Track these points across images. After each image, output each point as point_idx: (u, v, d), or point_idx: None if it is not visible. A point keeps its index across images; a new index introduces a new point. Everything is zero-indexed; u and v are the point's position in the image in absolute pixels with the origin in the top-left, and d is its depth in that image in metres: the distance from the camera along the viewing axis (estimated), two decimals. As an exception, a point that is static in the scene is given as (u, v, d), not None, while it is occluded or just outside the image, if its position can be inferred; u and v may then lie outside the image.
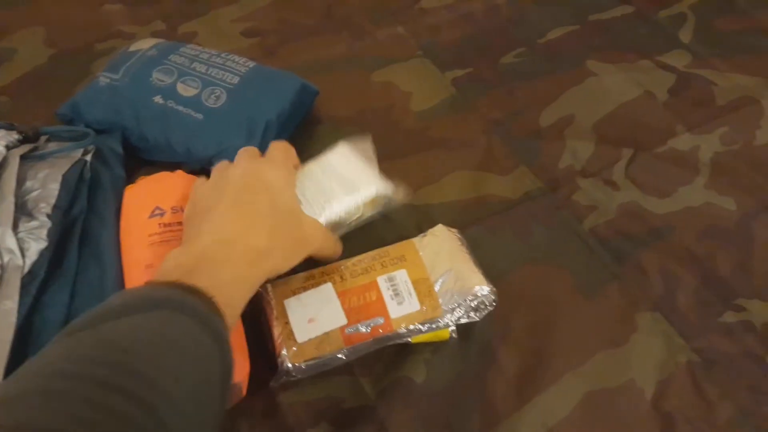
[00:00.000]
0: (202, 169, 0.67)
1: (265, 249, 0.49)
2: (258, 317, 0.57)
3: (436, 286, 0.56)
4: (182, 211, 0.58)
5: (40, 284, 0.56)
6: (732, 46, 0.86)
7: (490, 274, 0.58)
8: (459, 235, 0.61)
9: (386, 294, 0.56)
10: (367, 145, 0.65)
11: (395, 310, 0.55)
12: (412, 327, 0.55)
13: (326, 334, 0.54)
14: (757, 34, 0.88)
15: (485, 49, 0.86)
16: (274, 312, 0.55)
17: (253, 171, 0.54)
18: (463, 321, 0.56)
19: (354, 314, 0.55)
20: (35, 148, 0.65)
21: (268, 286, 0.57)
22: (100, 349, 0.36)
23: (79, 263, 0.60)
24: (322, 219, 0.58)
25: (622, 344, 0.58)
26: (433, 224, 0.64)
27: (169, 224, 0.58)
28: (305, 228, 0.55)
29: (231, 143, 0.66)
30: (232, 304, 0.45)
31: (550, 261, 0.63)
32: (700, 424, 0.53)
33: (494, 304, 0.57)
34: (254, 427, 0.53)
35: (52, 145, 0.66)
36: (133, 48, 0.74)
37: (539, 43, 0.87)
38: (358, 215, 0.60)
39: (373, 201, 0.60)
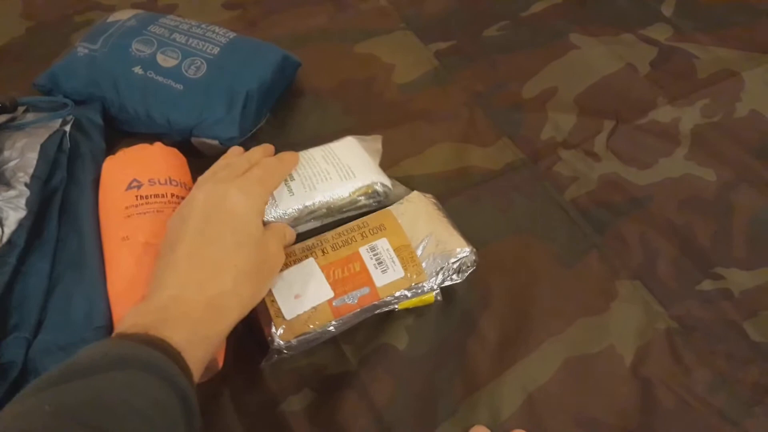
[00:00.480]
0: (182, 140, 0.66)
1: (230, 292, 0.47)
2: None
3: (418, 251, 0.56)
4: (159, 183, 0.58)
5: (20, 253, 0.56)
6: (714, 20, 0.86)
7: (472, 244, 0.58)
8: (434, 200, 0.61)
9: (369, 264, 0.56)
10: (377, 143, 0.65)
11: (380, 279, 0.55)
12: (398, 294, 0.55)
13: (314, 308, 0.53)
14: (739, 7, 0.88)
15: (468, 22, 0.86)
16: None
17: (216, 197, 0.50)
18: (447, 284, 0.57)
19: (340, 286, 0.54)
20: (13, 119, 0.64)
21: None
22: (61, 416, 0.34)
23: (59, 233, 0.59)
24: (314, 198, 0.58)
25: (602, 312, 0.59)
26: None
27: (146, 197, 0.57)
28: (271, 253, 0.52)
29: (211, 114, 0.65)
30: (196, 358, 0.43)
31: (531, 231, 0.64)
32: (678, 389, 0.54)
33: (475, 264, 0.57)
34: (237, 395, 0.53)
35: (30, 116, 0.65)
36: (111, 19, 0.73)
37: (522, 17, 0.87)
38: (349, 202, 0.60)
39: (367, 189, 0.60)
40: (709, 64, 0.80)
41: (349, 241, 0.57)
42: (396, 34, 0.85)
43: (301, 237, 0.59)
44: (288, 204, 0.57)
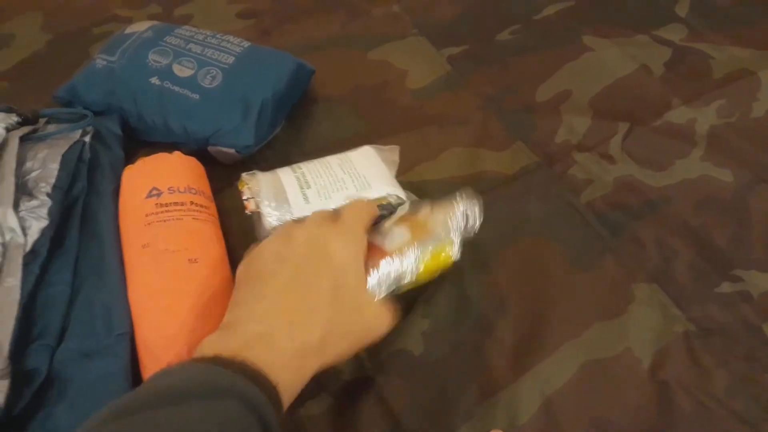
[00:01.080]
0: (199, 148, 0.67)
1: (317, 345, 0.44)
2: None
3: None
4: (179, 191, 0.59)
5: (43, 262, 0.57)
6: (728, 19, 0.86)
7: (487, 248, 0.58)
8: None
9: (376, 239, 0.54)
10: (394, 154, 0.65)
11: (388, 245, 0.53)
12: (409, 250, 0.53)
13: None
14: (753, 5, 0.88)
15: (480, 27, 0.86)
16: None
17: (319, 239, 0.48)
18: (460, 237, 0.56)
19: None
20: (35, 130, 0.65)
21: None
22: None
23: (80, 242, 0.60)
24: (329, 206, 0.58)
25: (618, 315, 0.58)
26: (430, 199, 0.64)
27: (166, 204, 0.58)
28: (368, 316, 0.48)
29: (227, 123, 0.66)
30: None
31: (546, 234, 0.64)
32: (697, 393, 0.54)
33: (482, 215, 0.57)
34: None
35: (52, 127, 0.67)
36: (128, 30, 0.74)
37: (535, 20, 0.87)
38: None
39: (381, 201, 0.60)
40: (725, 64, 0.80)
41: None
42: (409, 40, 0.85)
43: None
44: (303, 212, 0.58)
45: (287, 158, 0.69)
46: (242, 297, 0.46)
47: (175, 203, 0.58)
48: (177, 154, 0.64)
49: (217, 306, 0.51)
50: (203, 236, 0.58)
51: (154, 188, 0.59)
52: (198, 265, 0.54)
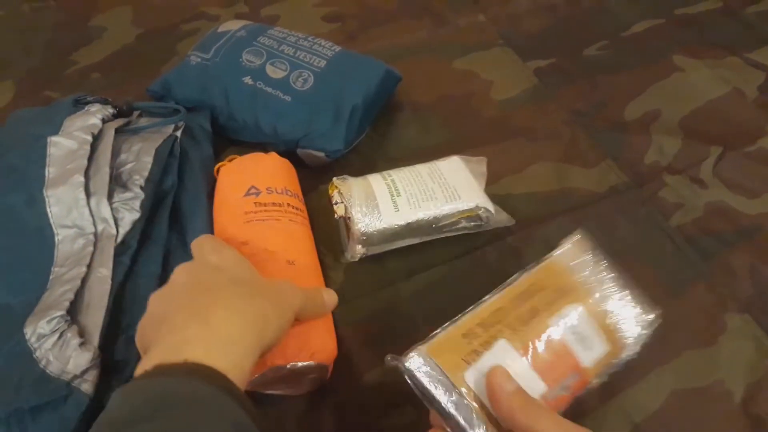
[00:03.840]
0: (287, 150, 0.68)
1: (240, 332, 0.42)
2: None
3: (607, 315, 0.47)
4: (277, 192, 0.59)
5: (133, 254, 0.58)
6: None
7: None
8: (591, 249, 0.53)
9: (570, 339, 0.44)
10: (482, 166, 0.65)
11: (585, 358, 0.44)
12: (602, 371, 0.46)
13: None
14: None
15: (567, 40, 0.85)
16: (453, 393, 0.42)
17: (195, 265, 0.48)
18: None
19: (548, 374, 0.43)
20: (128, 123, 0.67)
21: (419, 356, 0.43)
22: None
23: (169, 237, 0.61)
24: (417, 215, 0.58)
25: (709, 344, 0.57)
26: (515, 214, 0.64)
27: (264, 204, 0.58)
28: (272, 293, 0.47)
29: (318, 126, 0.67)
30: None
31: (635, 257, 0.62)
32: (791, 430, 0.52)
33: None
34: (339, 407, 0.54)
35: (144, 121, 0.68)
36: (222, 29, 0.75)
37: (623, 36, 0.86)
38: (450, 223, 0.60)
39: (470, 213, 0.60)
40: (822, 90, 0.77)
41: (537, 311, 0.45)
42: (494, 51, 0.84)
43: (396, 253, 0.59)
44: (392, 219, 0.58)
45: (372, 164, 0.70)
46: (158, 322, 0.44)
47: (274, 204, 0.58)
48: (273, 155, 0.64)
49: None
50: (299, 239, 0.58)
51: (253, 187, 0.59)
52: (294, 267, 0.54)
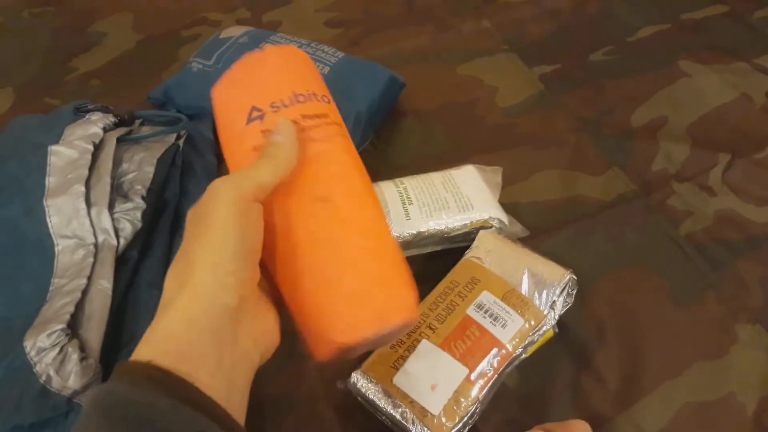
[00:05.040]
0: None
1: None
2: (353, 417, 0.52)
3: (522, 291, 0.53)
4: (284, 105, 0.41)
5: (135, 265, 0.57)
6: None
7: (583, 277, 0.57)
8: (505, 236, 0.58)
9: (485, 323, 0.52)
10: (497, 176, 0.65)
11: (503, 335, 0.51)
12: (527, 341, 0.52)
13: (456, 392, 0.48)
14: None
15: (573, 46, 0.85)
16: (389, 399, 0.49)
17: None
18: (561, 313, 0.55)
19: (469, 358, 0.50)
20: (130, 132, 0.66)
21: (358, 377, 0.50)
22: None
23: (171, 247, 0.60)
24: (428, 224, 0.57)
25: (720, 356, 0.56)
26: (521, 224, 0.63)
27: (271, 131, 0.40)
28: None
29: (322, 133, 0.65)
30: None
31: (644, 266, 0.62)
32: (805, 444, 0.51)
33: (577, 284, 0.55)
34: (340, 409, 0.53)
35: (146, 129, 0.67)
36: (224, 35, 0.74)
37: (629, 42, 0.85)
38: (463, 233, 0.59)
39: (484, 224, 0.59)
40: (831, 96, 0.76)
41: (452, 307, 0.53)
42: (499, 56, 0.84)
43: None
44: (403, 228, 0.57)
45: (375, 172, 0.67)
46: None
47: None
48: (270, 48, 0.45)
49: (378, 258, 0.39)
50: (330, 161, 0.41)
51: (254, 108, 0.41)
52: (332, 206, 0.39)
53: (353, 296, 0.37)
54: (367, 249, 0.39)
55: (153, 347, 0.31)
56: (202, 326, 0.32)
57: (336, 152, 0.41)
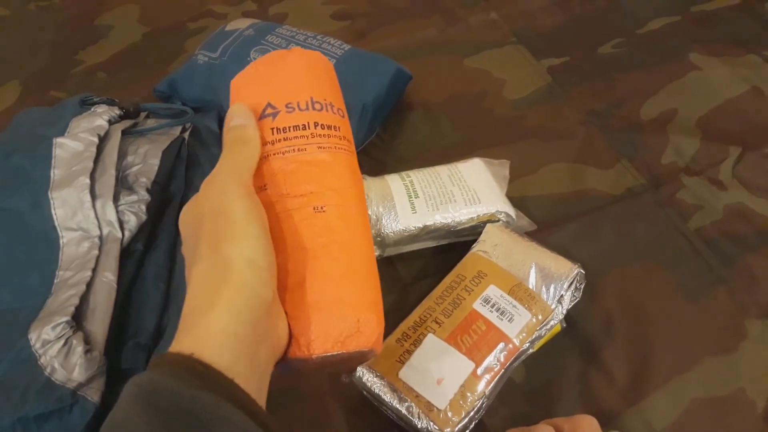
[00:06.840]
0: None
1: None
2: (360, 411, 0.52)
3: (530, 286, 0.53)
4: (299, 108, 0.41)
5: (139, 259, 0.57)
6: None
7: (592, 271, 0.56)
8: (512, 230, 0.58)
9: (492, 317, 0.51)
10: (504, 169, 0.64)
11: (510, 329, 0.51)
12: (534, 336, 0.52)
13: (462, 386, 0.49)
14: None
15: (582, 38, 0.84)
16: (394, 393, 0.49)
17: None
18: (569, 307, 0.54)
19: (476, 353, 0.50)
20: (135, 124, 0.65)
21: (363, 371, 0.50)
22: None
23: (177, 240, 0.60)
24: (435, 218, 0.57)
25: (730, 351, 0.55)
26: (529, 217, 0.62)
27: (283, 130, 0.40)
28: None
29: (328, 126, 0.65)
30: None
31: (653, 260, 0.61)
32: (815, 440, 0.50)
33: (584, 278, 0.55)
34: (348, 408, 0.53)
35: (151, 122, 0.67)
36: (229, 27, 0.74)
37: (638, 34, 0.84)
38: (470, 227, 0.59)
39: (491, 217, 0.59)
40: (843, 88, 0.75)
41: (458, 302, 0.53)
42: (507, 49, 0.83)
43: (410, 257, 0.58)
44: (409, 221, 0.57)
45: (382, 165, 0.69)
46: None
47: (296, 127, 0.41)
48: (298, 50, 0.45)
49: (360, 270, 0.39)
50: (332, 173, 0.41)
51: (269, 105, 0.41)
52: (324, 215, 0.39)
53: (325, 308, 0.37)
54: (349, 267, 0.39)
55: (196, 341, 0.31)
56: (246, 319, 0.33)
57: (338, 166, 0.41)
